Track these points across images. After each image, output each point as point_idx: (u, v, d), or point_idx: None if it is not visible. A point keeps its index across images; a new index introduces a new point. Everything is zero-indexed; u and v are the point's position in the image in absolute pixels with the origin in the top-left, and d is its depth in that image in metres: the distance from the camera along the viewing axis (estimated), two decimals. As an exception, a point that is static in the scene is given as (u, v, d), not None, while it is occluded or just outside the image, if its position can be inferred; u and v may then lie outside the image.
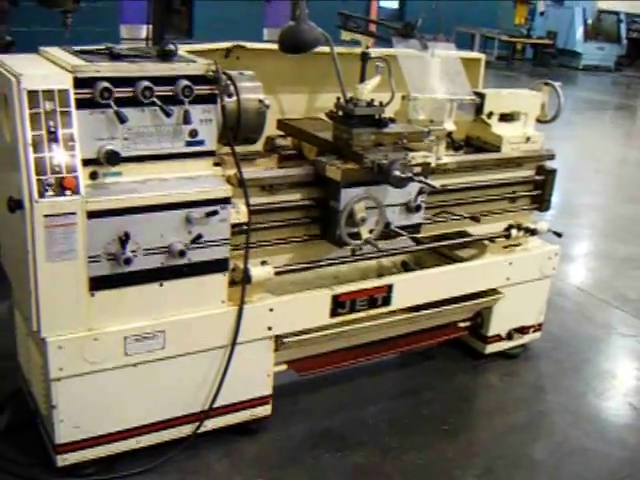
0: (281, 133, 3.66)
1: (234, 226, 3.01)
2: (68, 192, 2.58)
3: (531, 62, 20.88)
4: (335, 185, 3.23)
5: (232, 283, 3.11)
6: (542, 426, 3.76)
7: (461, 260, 3.99)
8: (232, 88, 2.93)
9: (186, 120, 2.82)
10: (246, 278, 3.08)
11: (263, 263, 3.21)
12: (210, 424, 3.24)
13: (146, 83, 2.70)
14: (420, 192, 3.46)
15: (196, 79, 2.81)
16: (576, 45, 20.62)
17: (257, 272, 3.12)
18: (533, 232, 4.05)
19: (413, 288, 3.67)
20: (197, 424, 3.18)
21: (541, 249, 4.15)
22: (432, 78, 3.68)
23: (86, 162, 2.65)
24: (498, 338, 4.18)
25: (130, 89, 2.70)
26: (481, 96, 3.87)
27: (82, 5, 5.50)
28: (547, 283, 4.24)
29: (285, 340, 3.31)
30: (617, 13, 21.04)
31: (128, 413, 3.03)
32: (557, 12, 21.32)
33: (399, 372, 4.16)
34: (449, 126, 3.66)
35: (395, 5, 20.32)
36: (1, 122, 2.80)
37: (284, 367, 3.49)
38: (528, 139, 4.01)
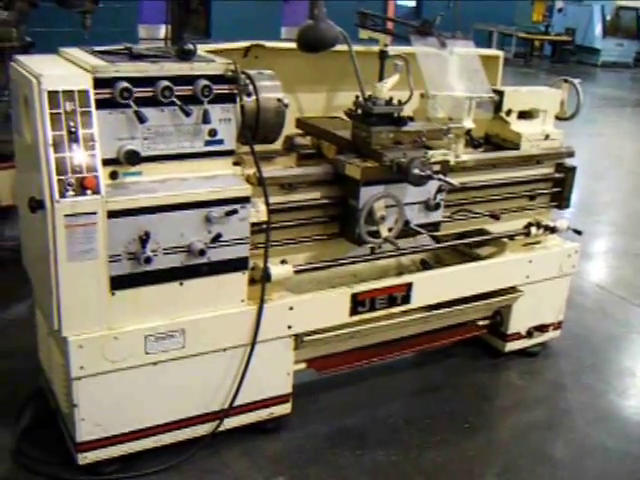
0: (300, 132, 3.67)
1: (253, 225, 3.01)
2: (89, 192, 2.59)
3: (549, 59, 20.70)
4: (354, 183, 3.23)
5: (252, 282, 3.12)
6: (562, 424, 3.74)
7: (480, 258, 3.97)
8: (251, 87, 2.93)
9: (205, 120, 2.82)
10: (266, 277, 3.08)
11: (282, 262, 3.22)
12: (230, 423, 3.24)
13: (166, 83, 2.71)
14: (439, 190, 3.46)
15: (215, 79, 2.82)
16: (595, 41, 20.45)
17: (277, 271, 3.12)
18: (553, 230, 4.03)
19: (433, 286, 3.66)
20: (217, 423, 3.19)
21: (561, 247, 4.13)
22: (451, 76, 3.67)
23: (106, 162, 2.66)
24: (518, 336, 4.16)
25: (150, 89, 2.71)
26: (500, 93, 3.87)
27: (100, 6, 5.56)
28: (567, 281, 4.21)
29: (305, 339, 3.31)
30: (636, 9, 20.81)
31: (148, 412, 3.04)
32: (575, 9, 21.15)
33: (418, 370, 4.15)
34: (468, 124, 3.64)
35: (412, 3, 20.25)
36: (22, 122, 2.82)
37: (304, 366, 3.49)
38: (547, 136, 3.99)
